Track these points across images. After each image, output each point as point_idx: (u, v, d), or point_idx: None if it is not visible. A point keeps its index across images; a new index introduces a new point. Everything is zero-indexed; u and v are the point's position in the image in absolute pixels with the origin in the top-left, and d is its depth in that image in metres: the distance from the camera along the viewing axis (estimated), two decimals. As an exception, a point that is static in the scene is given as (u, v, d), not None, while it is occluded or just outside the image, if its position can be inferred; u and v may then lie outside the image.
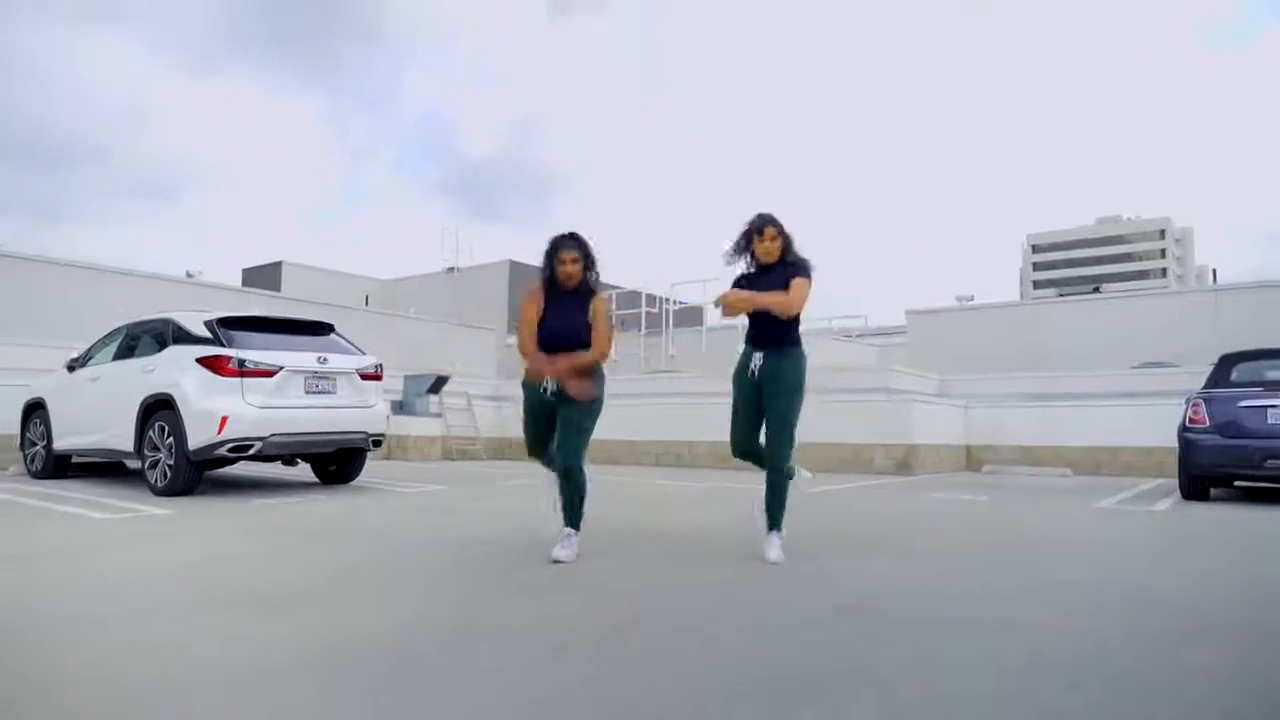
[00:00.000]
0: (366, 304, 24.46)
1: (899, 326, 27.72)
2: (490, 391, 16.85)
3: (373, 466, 11.11)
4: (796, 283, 4.18)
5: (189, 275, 18.80)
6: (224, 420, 6.95)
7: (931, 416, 12.54)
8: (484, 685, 2.31)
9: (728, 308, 4.20)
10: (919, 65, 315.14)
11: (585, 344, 4.17)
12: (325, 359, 7.63)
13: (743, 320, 4.39)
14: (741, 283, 4.39)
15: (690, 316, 22.83)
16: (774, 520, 4.29)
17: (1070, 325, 17.79)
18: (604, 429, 15.09)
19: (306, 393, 7.50)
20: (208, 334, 7.38)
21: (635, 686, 2.33)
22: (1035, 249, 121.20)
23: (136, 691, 2.24)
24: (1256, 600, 3.67)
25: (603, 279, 4.41)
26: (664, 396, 15.29)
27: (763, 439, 4.33)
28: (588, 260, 4.28)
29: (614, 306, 17.23)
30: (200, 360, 7.17)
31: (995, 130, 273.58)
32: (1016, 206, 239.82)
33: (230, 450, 7.05)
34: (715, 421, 14.25)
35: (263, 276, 27.63)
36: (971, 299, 24.35)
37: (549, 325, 4.23)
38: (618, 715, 2.11)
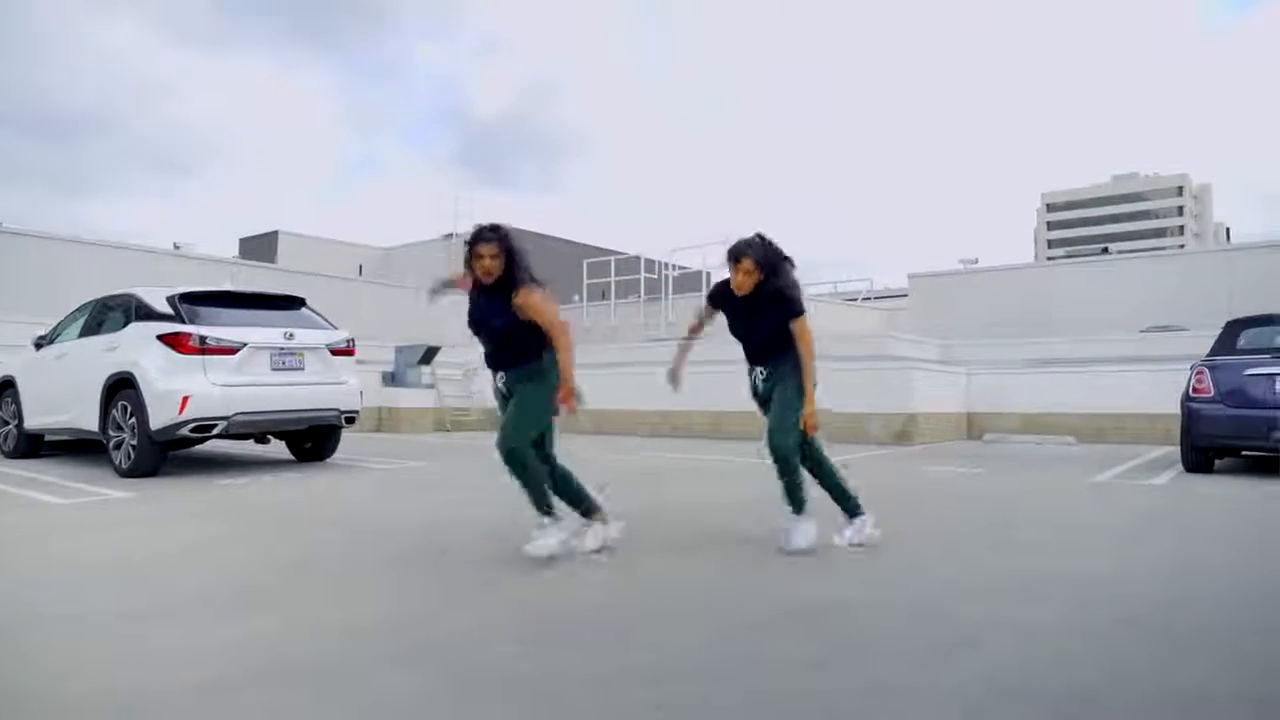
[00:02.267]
0: (360, 273, 24.21)
1: (898, 291, 27.31)
2: (485, 361, 16.61)
3: (360, 440, 10.94)
4: (800, 330, 4.03)
5: (176, 247, 18.54)
6: (185, 400, 6.73)
7: (931, 384, 12.22)
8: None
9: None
10: (933, 22, 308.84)
11: (514, 342, 3.84)
12: (292, 334, 7.38)
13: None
14: (719, 298, 4.23)
15: (690, 282, 22.44)
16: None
17: (1078, 288, 17.34)
18: (603, 398, 14.70)
19: (273, 369, 7.26)
20: (169, 310, 7.14)
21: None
22: (1050, 208, 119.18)
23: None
24: (1254, 598, 3.40)
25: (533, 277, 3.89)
26: (664, 365, 15.00)
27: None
28: (509, 254, 3.81)
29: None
30: (161, 338, 6.93)
31: (1010, 88, 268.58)
32: (1032, 166, 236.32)
33: (193, 430, 6.84)
34: (713, 391, 13.94)
35: (259, 247, 27.38)
36: (975, 261, 23.82)
37: (473, 317, 3.93)
38: None
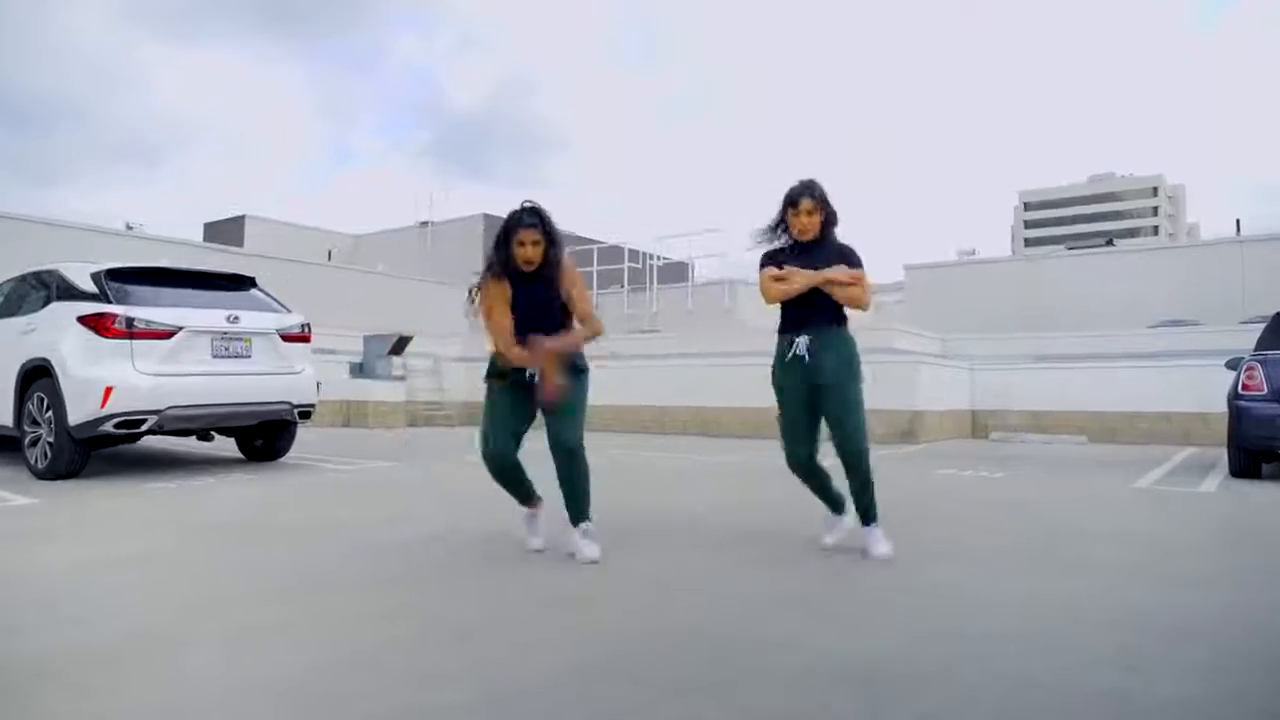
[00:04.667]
0: (329, 259, 23.12)
1: (888, 284, 26.69)
2: (460, 352, 15.72)
3: (323, 436, 10.05)
4: (861, 275, 3.63)
5: (128, 227, 17.41)
6: (108, 391, 5.82)
7: (936, 380, 11.51)
8: None
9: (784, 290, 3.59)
10: (913, 21, 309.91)
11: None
12: (236, 317, 6.47)
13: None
14: (779, 258, 3.69)
15: (676, 272, 21.66)
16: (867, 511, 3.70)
17: (1081, 281, 16.71)
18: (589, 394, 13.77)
19: (214, 357, 6.36)
20: (93, 288, 6.21)
21: None
22: (1027, 206, 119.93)
23: None
24: None
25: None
26: (649, 359, 14.24)
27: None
28: (550, 239, 3.47)
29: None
30: (81, 319, 6.02)
31: (989, 87, 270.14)
32: (1009, 164, 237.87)
33: (118, 426, 5.92)
34: (704, 387, 13.13)
35: (225, 231, 26.18)
36: (973, 252, 23.21)
37: (521, 316, 3.50)
38: None
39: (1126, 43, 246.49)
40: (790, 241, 3.67)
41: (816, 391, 3.58)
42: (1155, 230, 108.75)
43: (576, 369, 3.57)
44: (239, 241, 24.37)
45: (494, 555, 3.71)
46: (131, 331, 5.96)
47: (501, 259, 3.46)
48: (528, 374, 3.46)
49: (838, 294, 3.55)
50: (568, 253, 3.62)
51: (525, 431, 3.60)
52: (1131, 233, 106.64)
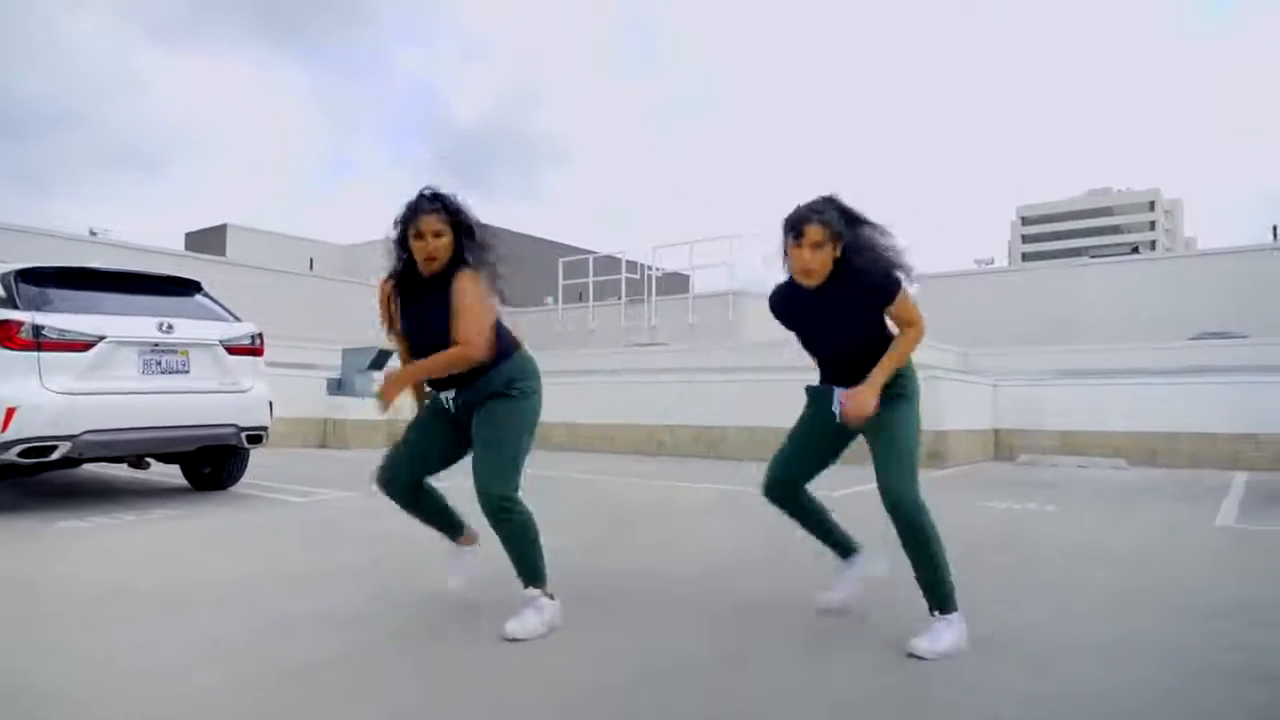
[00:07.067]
0: (311, 267, 22.12)
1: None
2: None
3: (294, 458, 9.10)
4: (902, 313, 2.75)
5: (92, 234, 16.49)
6: (10, 412, 4.91)
7: (959, 397, 10.62)
8: None
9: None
10: (911, 35, 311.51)
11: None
12: (170, 326, 5.56)
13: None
14: (784, 300, 2.87)
15: (674, 284, 20.79)
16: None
17: (1105, 291, 15.83)
18: (578, 413, 12.81)
19: (144, 372, 5.45)
20: (0, 293, 5.29)
21: None
22: (1025, 220, 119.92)
23: None
24: None
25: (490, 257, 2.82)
26: (647, 373, 13.34)
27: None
28: (460, 229, 2.75)
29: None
30: (-18, 328, 5.10)
31: (988, 102, 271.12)
32: (1007, 178, 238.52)
33: (23, 454, 4.99)
34: (709, 404, 12.17)
35: (207, 241, 25.25)
36: (991, 261, 22.39)
37: (407, 333, 2.89)
38: None
39: (1124, 58, 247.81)
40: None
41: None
42: (1153, 245, 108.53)
43: (503, 395, 2.80)
44: (221, 251, 23.47)
45: (423, 629, 2.79)
46: (40, 342, 5.05)
47: (402, 261, 2.82)
48: (445, 400, 2.88)
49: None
50: (498, 258, 2.78)
51: (437, 466, 3.00)
52: (1129, 247, 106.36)
